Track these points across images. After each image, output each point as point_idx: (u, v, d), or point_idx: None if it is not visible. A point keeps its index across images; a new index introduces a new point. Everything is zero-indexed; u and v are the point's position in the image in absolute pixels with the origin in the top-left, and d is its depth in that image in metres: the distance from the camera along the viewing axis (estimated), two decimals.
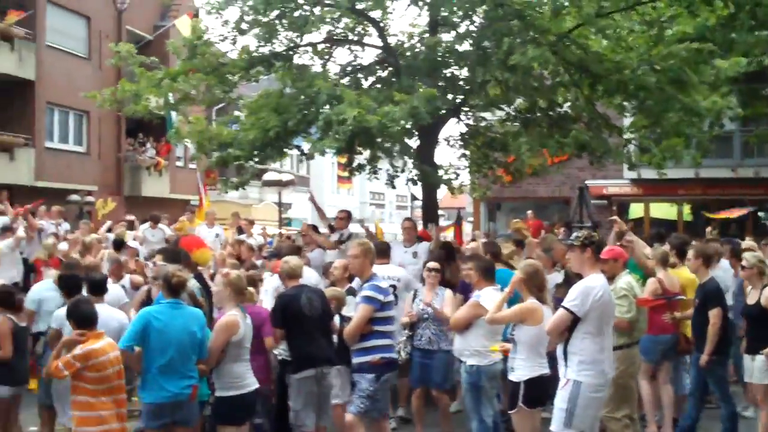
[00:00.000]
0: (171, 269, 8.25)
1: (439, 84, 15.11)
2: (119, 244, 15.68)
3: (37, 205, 18.84)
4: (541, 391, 8.23)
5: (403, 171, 17.75)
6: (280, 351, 9.70)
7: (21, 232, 16.16)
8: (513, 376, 8.25)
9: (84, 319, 7.91)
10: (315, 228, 15.35)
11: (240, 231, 18.99)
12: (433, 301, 10.50)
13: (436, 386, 10.50)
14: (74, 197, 27.86)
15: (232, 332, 8.14)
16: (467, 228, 28.92)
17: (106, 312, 9.29)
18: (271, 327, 9.30)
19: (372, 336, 8.62)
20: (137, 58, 16.98)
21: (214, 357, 8.14)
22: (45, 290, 11.06)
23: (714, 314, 9.85)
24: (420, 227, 15.45)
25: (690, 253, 10.54)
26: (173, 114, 18.57)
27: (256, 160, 16.24)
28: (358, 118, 12.96)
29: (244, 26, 15.70)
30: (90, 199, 28.55)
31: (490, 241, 13.81)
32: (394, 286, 11.12)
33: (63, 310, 8.81)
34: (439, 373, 10.27)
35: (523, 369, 8.15)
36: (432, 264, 10.91)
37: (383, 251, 11.83)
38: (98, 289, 9.67)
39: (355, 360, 8.72)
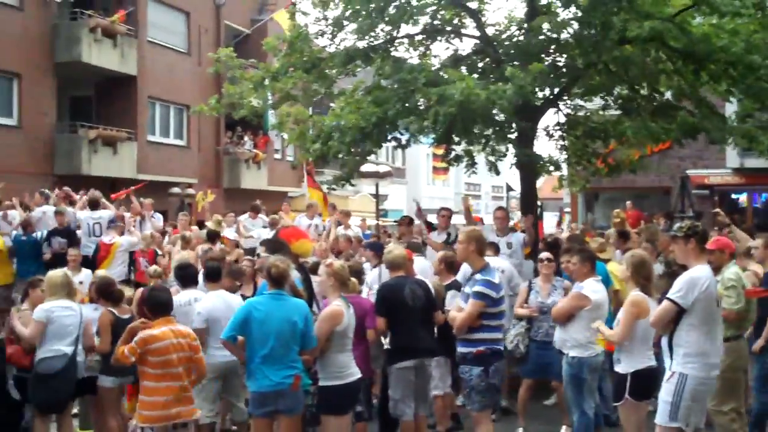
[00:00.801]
0: (272, 260, 8.30)
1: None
2: (213, 236, 15.92)
3: (140, 187, 19.28)
4: (648, 383, 8.10)
5: (505, 156, 17.54)
6: (387, 342, 9.72)
7: (148, 228, 16.79)
8: (619, 368, 8.13)
9: (156, 306, 8.11)
10: (410, 221, 15.32)
11: (337, 223, 19.09)
12: (551, 293, 10.46)
13: (555, 377, 10.40)
14: (175, 190, 28.42)
15: (336, 322, 8.18)
16: (547, 219, 28.62)
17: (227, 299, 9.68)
18: (372, 319, 9.31)
19: (480, 329, 8.51)
20: (236, 62, 17.27)
21: (318, 347, 8.17)
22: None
23: None
24: (518, 217, 15.32)
25: (759, 242, 10.26)
26: (271, 110, 18.81)
27: (354, 154, 16.29)
28: (467, 91, 12.82)
29: (344, 21, 15.77)
30: (190, 191, 29.09)
31: (574, 235, 13.68)
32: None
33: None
34: (558, 364, 10.15)
35: (629, 361, 8.03)
36: (545, 254, 10.89)
37: (492, 244, 11.99)
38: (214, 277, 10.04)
39: (461, 349, 8.64)
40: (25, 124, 26.55)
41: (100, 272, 11.12)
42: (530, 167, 15.64)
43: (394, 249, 9.81)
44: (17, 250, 16.19)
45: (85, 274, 13.07)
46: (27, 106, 26.57)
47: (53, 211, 17.10)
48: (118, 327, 9.37)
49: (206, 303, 9.59)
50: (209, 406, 9.44)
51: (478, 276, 8.57)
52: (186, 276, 10.23)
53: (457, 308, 8.68)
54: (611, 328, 8.56)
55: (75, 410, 10.81)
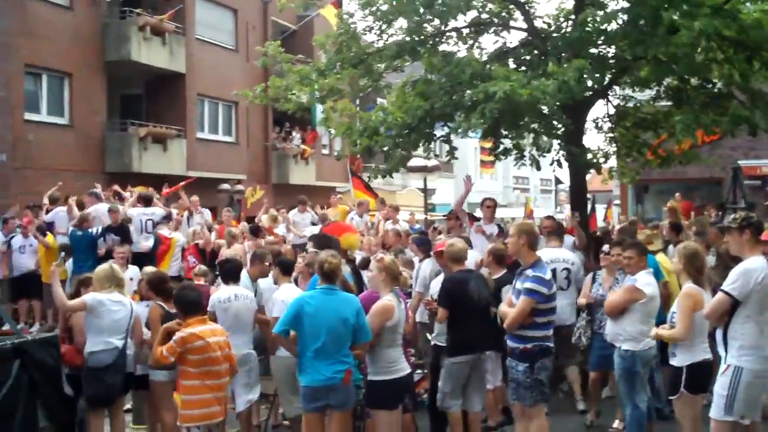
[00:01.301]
0: (324, 255, 8.31)
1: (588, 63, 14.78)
2: (256, 231, 16.01)
3: (188, 183, 19.46)
4: (703, 376, 8.03)
5: (548, 151, 17.43)
6: (433, 337, 9.70)
7: (195, 224, 17.01)
8: (675, 362, 8.06)
9: (186, 305, 8.18)
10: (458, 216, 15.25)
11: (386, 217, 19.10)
12: (613, 285, 10.43)
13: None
14: (225, 186, 28.61)
15: (387, 317, 8.17)
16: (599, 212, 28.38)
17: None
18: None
19: (530, 327, 8.44)
20: (284, 56, 17.34)
21: (369, 342, 8.17)
22: None
23: None
24: (567, 212, 15.22)
25: None
26: (319, 106, 18.89)
27: (401, 148, 16.29)
28: (509, 91, 12.78)
29: (391, 17, 15.77)
30: (240, 187, 29.25)
31: (625, 227, 13.56)
32: (568, 269, 11.17)
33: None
34: None
35: (685, 354, 7.96)
36: (605, 247, 10.86)
37: (558, 234, 12.18)
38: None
39: (510, 344, 8.58)
40: (77, 123, 26.87)
41: (149, 269, 11.19)
42: (579, 161, 15.51)
43: (456, 242, 9.77)
44: (73, 246, 16.46)
45: (133, 271, 13.19)
46: (78, 105, 26.89)
47: (106, 209, 17.34)
48: (167, 321, 9.47)
49: (287, 293, 9.58)
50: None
51: (529, 271, 8.47)
52: (227, 271, 10.30)
53: (508, 302, 8.63)
54: (663, 321, 8.51)
55: (128, 405, 10.95)
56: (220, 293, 9.99)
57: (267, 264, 11.16)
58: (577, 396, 11.65)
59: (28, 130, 24.75)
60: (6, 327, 12.25)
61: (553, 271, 11.34)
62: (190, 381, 8.14)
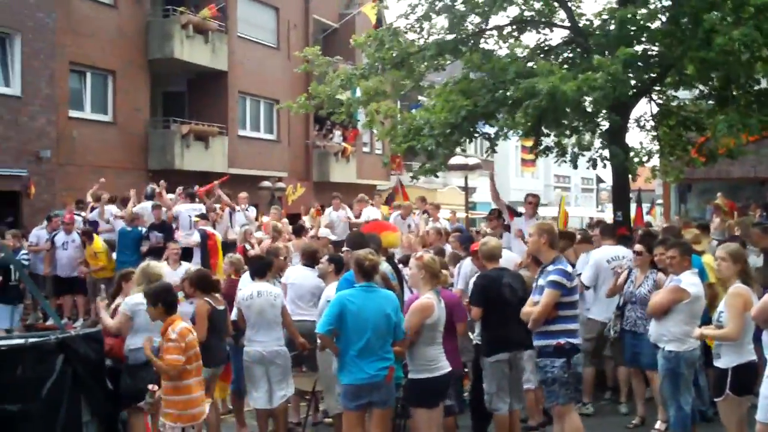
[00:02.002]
0: (363, 253, 8.29)
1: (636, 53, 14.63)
2: (299, 231, 16.06)
3: (222, 181, 19.58)
4: (749, 378, 7.93)
5: (588, 149, 17.30)
6: (475, 336, 9.67)
7: (239, 221, 17.15)
8: (720, 363, 7.97)
9: (173, 305, 8.31)
10: (500, 214, 15.18)
11: (426, 214, 19.06)
12: (643, 283, 10.42)
13: (646, 367, 10.36)
14: (266, 183, 28.74)
15: (426, 315, 8.12)
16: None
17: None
18: (462, 312, 9.25)
19: (557, 320, 8.39)
20: (323, 60, 17.41)
21: (409, 339, 8.14)
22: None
23: None
24: (609, 211, 15.12)
25: None
26: (361, 110, 18.96)
27: (444, 147, 16.26)
28: (554, 87, 12.69)
29: (432, 14, 15.76)
30: (281, 185, 29.38)
31: (671, 226, 13.44)
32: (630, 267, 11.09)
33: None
34: (648, 355, 9.99)
35: (730, 355, 7.86)
36: (638, 247, 10.78)
37: (611, 231, 12.28)
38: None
39: (539, 343, 8.52)
40: (120, 121, 27.13)
41: (191, 266, 11.31)
42: (619, 161, 15.38)
43: (489, 240, 9.75)
44: (119, 242, 16.68)
45: (185, 268, 13.32)
46: (121, 102, 27.15)
47: (150, 206, 17.52)
48: (214, 317, 9.56)
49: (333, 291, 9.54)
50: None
51: (550, 267, 8.46)
52: (255, 268, 10.32)
53: (531, 304, 8.58)
54: (707, 322, 8.41)
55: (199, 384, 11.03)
56: (245, 290, 10.05)
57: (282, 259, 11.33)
58: (622, 398, 11.55)
59: (72, 127, 25.03)
60: (50, 322, 12.40)
61: (615, 268, 11.33)
62: (189, 380, 8.19)
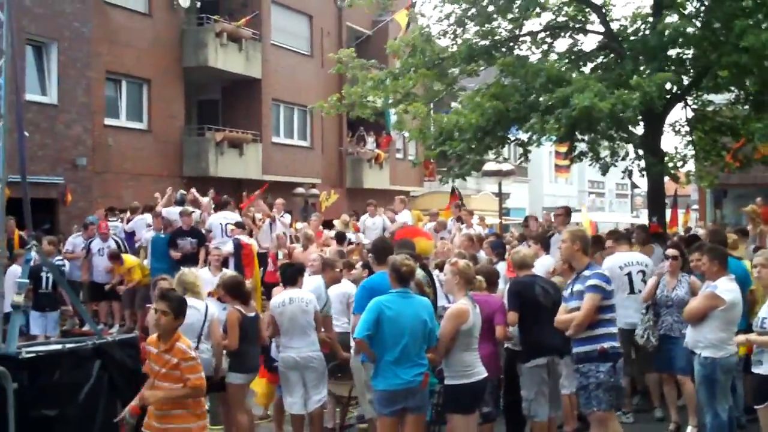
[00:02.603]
0: (400, 258, 8.26)
1: (665, 67, 14.56)
2: (342, 238, 16.08)
3: (263, 190, 19.62)
4: None
5: (623, 159, 17.25)
6: (509, 342, 9.63)
7: (278, 230, 17.22)
8: (761, 369, 7.94)
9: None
10: (535, 219, 15.12)
11: (459, 221, 18.98)
12: (677, 286, 10.39)
13: (680, 371, 10.29)
14: (299, 190, 28.81)
15: (461, 321, 8.09)
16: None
17: None
18: (501, 317, 9.23)
19: (599, 324, 8.34)
20: (357, 62, 17.46)
21: (444, 345, 8.12)
22: None
23: None
24: (644, 216, 15.03)
25: None
26: (392, 111, 18.99)
27: (476, 152, 16.26)
28: (590, 103, 12.67)
29: (466, 21, 15.79)
30: (314, 191, 29.43)
31: (717, 230, 13.28)
32: (643, 272, 11.17)
33: None
34: (682, 359, 9.93)
35: None
36: (671, 251, 10.75)
37: (625, 237, 12.15)
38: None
39: (582, 349, 8.43)
40: (155, 128, 27.34)
41: (228, 272, 11.34)
42: (654, 169, 15.31)
43: (520, 249, 9.75)
44: (152, 248, 16.80)
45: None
46: (157, 110, 27.37)
47: (178, 213, 17.64)
48: (245, 325, 9.59)
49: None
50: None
51: (586, 272, 8.39)
52: (287, 275, 10.32)
53: (565, 310, 8.51)
54: (744, 329, 8.33)
55: (206, 407, 11.07)
56: (277, 297, 10.07)
57: (338, 270, 11.23)
58: (655, 402, 11.47)
59: (108, 135, 25.28)
60: (86, 328, 12.50)
61: (628, 275, 11.26)
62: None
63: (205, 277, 11.46)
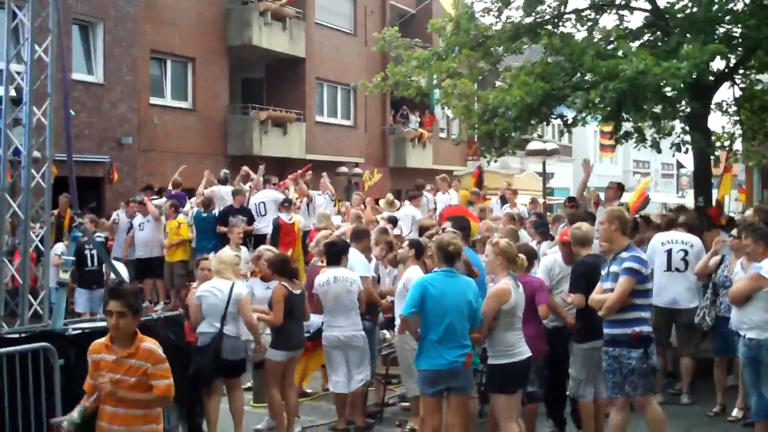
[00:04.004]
0: (447, 237, 8.23)
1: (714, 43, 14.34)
2: (394, 222, 16.05)
3: (306, 169, 19.63)
4: None
5: (669, 134, 17.01)
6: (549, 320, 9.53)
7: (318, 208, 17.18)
8: None
9: None
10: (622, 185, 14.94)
11: (503, 201, 18.91)
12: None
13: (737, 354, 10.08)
14: (343, 169, 28.85)
15: (503, 300, 8.05)
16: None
17: None
18: (543, 295, 9.12)
19: (631, 308, 8.23)
20: (401, 41, 17.39)
21: (486, 325, 8.08)
22: None
23: None
24: (690, 197, 14.85)
25: None
26: (437, 90, 18.90)
27: (520, 131, 16.16)
28: (642, 69, 12.50)
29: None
30: (357, 170, 29.45)
31: (765, 209, 13.07)
32: (685, 251, 11.15)
33: None
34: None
35: None
36: (736, 231, 10.55)
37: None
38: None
39: (612, 331, 8.30)
40: (200, 107, 27.50)
41: (263, 248, 11.39)
42: (700, 147, 15.10)
43: (581, 225, 9.57)
44: (196, 227, 16.90)
45: (243, 251, 13.38)
46: (201, 89, 27.51)
47: (228, 191, 17.67)
48: (291, 301, 9.60)
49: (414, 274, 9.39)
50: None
51: (624, 254, 8.27)
52: (331, 254, 10.29)
53: (600, 291, 8.41)
54: None
55: (249, 384, 11.15)
56: (321, 276, 10.05)
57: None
58: (684, 389, 11.32)
59: (153, 114, 25.50)
60: None
61: (668, 251, 11.15)
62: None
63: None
